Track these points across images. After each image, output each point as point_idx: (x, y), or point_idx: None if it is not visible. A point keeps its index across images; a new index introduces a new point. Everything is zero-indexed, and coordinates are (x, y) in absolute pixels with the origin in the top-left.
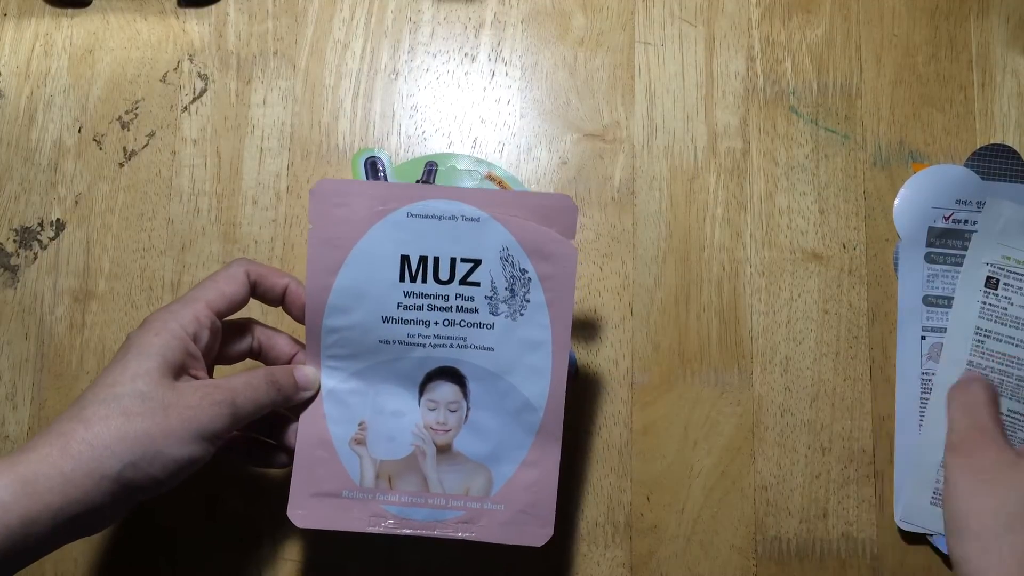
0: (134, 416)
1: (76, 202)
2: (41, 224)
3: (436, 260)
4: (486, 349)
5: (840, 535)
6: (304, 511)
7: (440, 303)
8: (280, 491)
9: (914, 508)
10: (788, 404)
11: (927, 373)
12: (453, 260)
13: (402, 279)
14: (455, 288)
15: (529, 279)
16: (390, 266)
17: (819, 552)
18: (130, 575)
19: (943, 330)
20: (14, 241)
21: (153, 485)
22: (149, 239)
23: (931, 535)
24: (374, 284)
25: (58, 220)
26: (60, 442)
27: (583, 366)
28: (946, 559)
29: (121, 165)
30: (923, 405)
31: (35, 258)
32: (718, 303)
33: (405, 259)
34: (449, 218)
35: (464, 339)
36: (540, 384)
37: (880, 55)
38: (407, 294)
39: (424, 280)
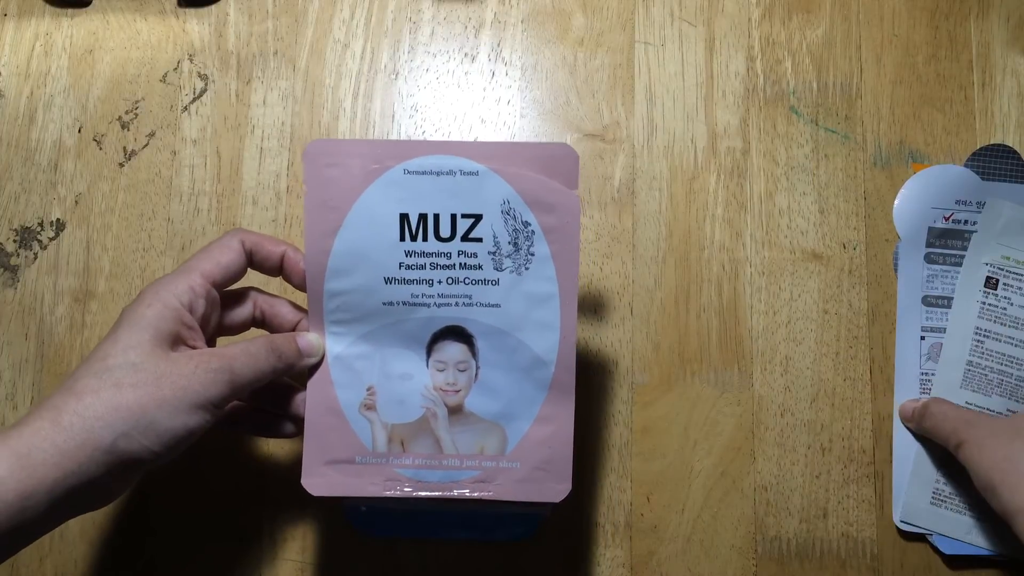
0: (126, 387)
1: (76, 202)
2: (41, 224)
3: (436, 217)
4: (492, 306)
5: (840, 535)
6: (318, 479)
7: (442, 261)
8: (280, 490)
9: (914, 508)
10: (788, 404)
11: (927, 373)
12: (453, 216)
13: (402, 238)
14: (457, 245)
15: (532, 232)
16: (389, 225)
17: (819, 552)
18: (129, 575)
19: (943, 330)
20: (14, 241)
21: (149, 456)
22: (149, 239)
23: (931, 535)
24: (374, 245)
25: (58, 220)
26: (52, 415)
27: (584, 366)
28: (947, 559)
29: (121, 165)
30: None
31: (35, 258)
32: (718, 303)
33: (404, 217)
34: (447, 173)
35: (469, 297)
36: (550, 338)
37: (880, 55)
38: (408, 253)
39: (425, 238)
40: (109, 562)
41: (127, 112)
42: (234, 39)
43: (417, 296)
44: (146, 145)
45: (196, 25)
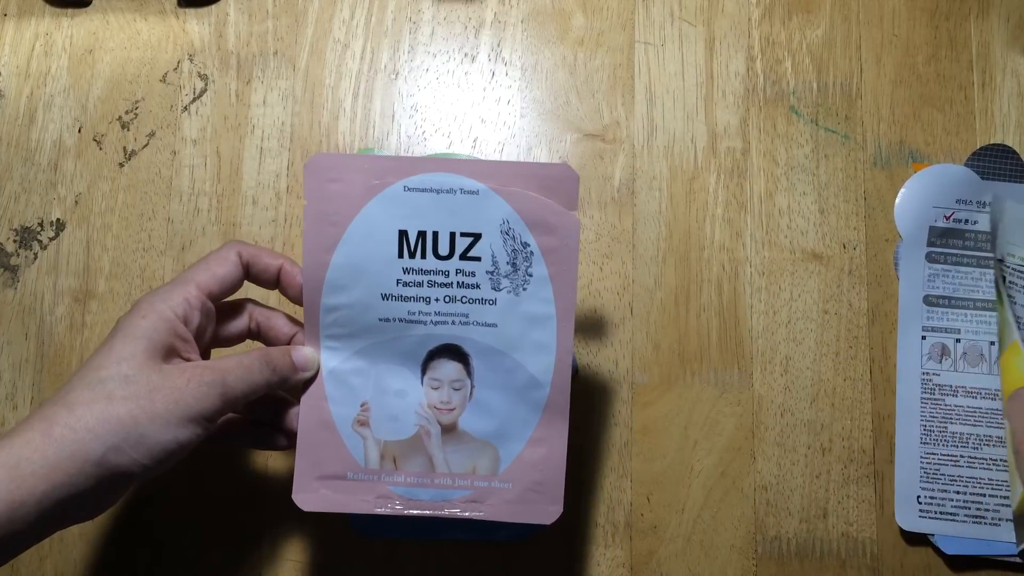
0: (118, 399)
1: (76, 202)
2: (41, 224)
3: (435, 235)
4: (489, 325)
5: (840, 535)
6: (309, 495)
7: (440, 279)
8: (280, 491)
9: (916, 508)
10: (788, 404)
11: (928, 373)
12: (452, 235)
13: (401, 255)
14: (455, 263)
15: (531, 252)
16: (388, 242)
17: (819, 552)
18: None
19: (944, 330)
20: (14, 241)
21: (139, 470)
22: (149, 239)
23: (933, 535)
24: (372, 260)
25: (58, 220)
26: (43, 426)
27: (583, 366)
28: (948, 559)
29: (121, 165)
30: (923, 405)
31: (35, 258)
32: (718, 303)
33: (403, 234)
34: (447, 191)
35: (466, 315)
36: (545, 360)
37: (880, 55)
38: (406, 270)
39: (423, 256)
40: (109, 563)
41: (127, 112)
42: (234, 39)
43: (414, 313)
44: (146, 145)
45: (196, 25)
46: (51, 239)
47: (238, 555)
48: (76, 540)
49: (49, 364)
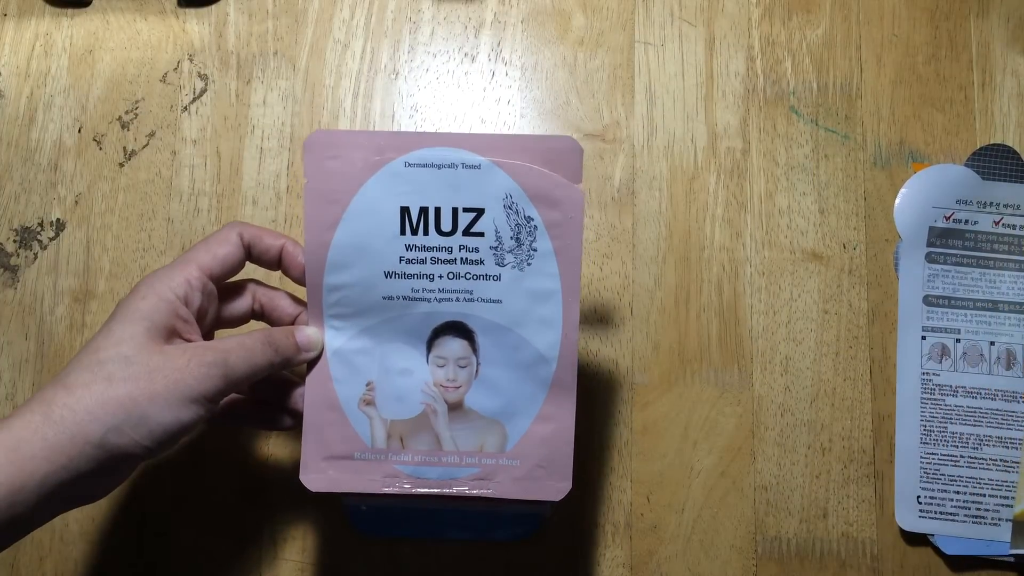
0: (117, 381)
1: (76, 202)
2: (41, 224)
3: (437, 211)
4: (494, 302)
5: (840, 535)
6: (316, 475)
7: (444, 255)
8: (279, 490)
9: (916, 508)
10: (788, 404)
11: (927, 373)
12: (455, 210)
13: (403, 232)
14: (458, 239)
15: (535, 227)
16: (390, 219)
17: (819, 552)
18: (128, 575)
19: (944, 330)
20: (14, 241)
21: (140, 451)
22: (149, 239)
23: (933, 535)
24: (374, 238)
25: (58, 220)
26: (43, 409)
27: (584, 365)
28: (948, 559)
29: (121, 165)
30: (923, 405)
31: (35, 258)
32: (718, 303)
33: (405, 211)
34: (449, 166)
35: (470, 292)
36: (551, 335)
37: (880, 55)
38: (409, 247)
39: (426, 232)
40: (109, 562)
41: (127, 112)
42: (234, 39)
43: (418, 291)
44: (146, 145)
45: (196, 25)
46: (51, 239)
47: (239, 555)
48: (76, 539)
49: (49, 364)
